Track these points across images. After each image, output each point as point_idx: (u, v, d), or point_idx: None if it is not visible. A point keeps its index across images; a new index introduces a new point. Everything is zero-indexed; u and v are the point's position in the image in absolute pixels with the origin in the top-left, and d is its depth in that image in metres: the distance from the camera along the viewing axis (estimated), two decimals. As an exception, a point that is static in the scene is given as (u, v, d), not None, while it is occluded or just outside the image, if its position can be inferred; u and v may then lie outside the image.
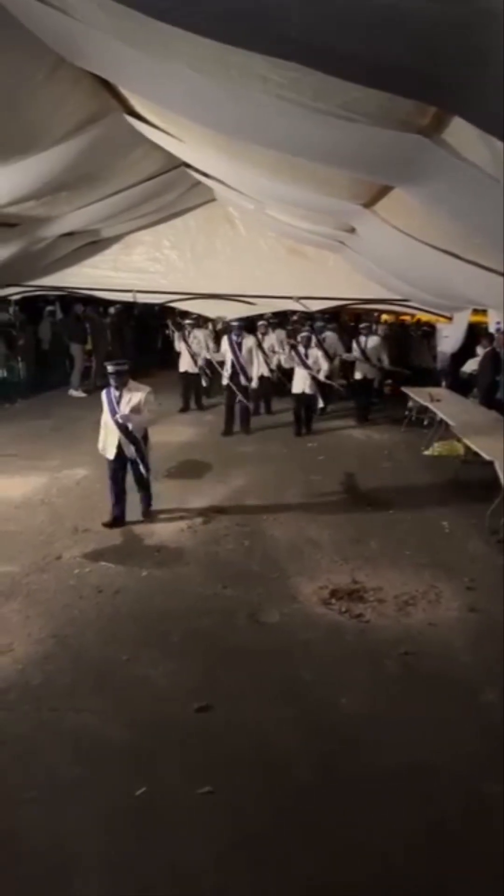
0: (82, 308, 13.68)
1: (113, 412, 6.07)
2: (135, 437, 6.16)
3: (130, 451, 6.18)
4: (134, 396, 6.05)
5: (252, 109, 3.03)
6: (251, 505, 6.87)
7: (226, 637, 4.46)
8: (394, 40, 1.82)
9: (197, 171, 7.40)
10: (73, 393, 12.39)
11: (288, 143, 3.55)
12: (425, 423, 9.88)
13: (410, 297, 10.28)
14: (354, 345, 10.88)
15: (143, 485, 6.47)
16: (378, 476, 7.97)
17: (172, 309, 11.82)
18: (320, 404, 10.66)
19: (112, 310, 14.30)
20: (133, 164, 6.56)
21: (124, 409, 6.01)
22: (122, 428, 6.06)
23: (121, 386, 6.05)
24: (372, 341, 10.76)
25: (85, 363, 12.89)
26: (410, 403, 10.22)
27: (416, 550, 5.82)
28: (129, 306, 13.43)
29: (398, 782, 3.23)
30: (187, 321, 11.40)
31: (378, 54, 1.93)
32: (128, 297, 11.19)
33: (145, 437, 6.33)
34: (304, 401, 9.94)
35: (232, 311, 10.95)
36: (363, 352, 10.71)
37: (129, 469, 6.31)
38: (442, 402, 8.75)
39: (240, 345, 9.66)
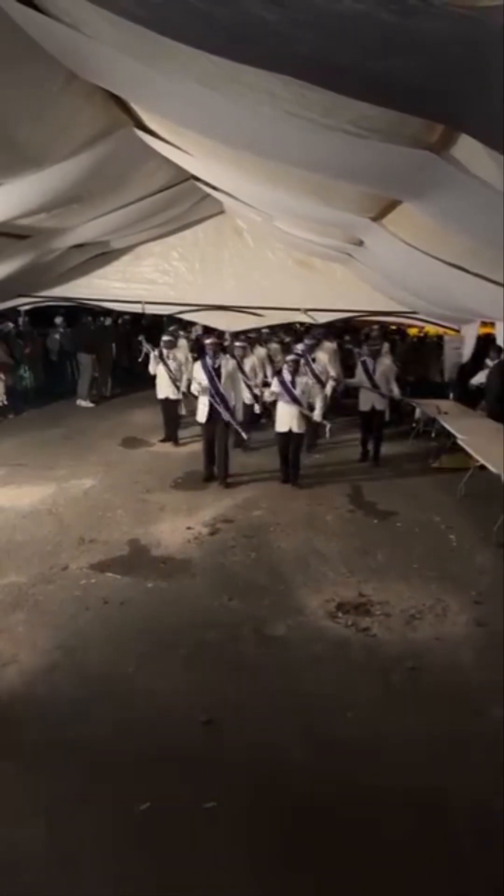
0: (90, 318, 13.78)
1: None
2: None
3: None
4: None
5: (262, 125, 3.06)
6: (257, 516, 6.86)
7: (231, 650, 4.44)
8: (403, 59, 1.83)
9: (206, 183, 7.46)
10: (81, 403, 12.44)
11: (298, 157, 3.58)
12: (433, 435, 9.85)
13: (417, 309, 10.31)
14: (360, 369, 8.98)
15: None
16: (385, 488, 7.94)
17: (180, 320, 11.82)
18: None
19: (120, 321, 14.38)
20: (143, 178, 6.63)
21: None
22: None
23: None
24: (381, 365, 8.88)
25: (93, 373, 12.94)
26: (417, 415, 10.21)
27: (424, 564, 5.78)
28: (137, 317, 13.49)
29: (405, 798, 3.19)
30: (164, 338, 9.64)
31: (387, 73, 1.94)
32: (136, 308, 11.26)
33: None
34: (291, 441, 7.84)
35: (240, 323, 10.99)
36: (371, 378, 8.81)
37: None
38: (449, 415, 8.73)
39: (218, 370, 7.65)
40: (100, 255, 10.49)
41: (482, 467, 6.74)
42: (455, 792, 3.24)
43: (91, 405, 12.41)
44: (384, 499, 7.50)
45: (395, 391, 9.01)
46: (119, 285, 10.96)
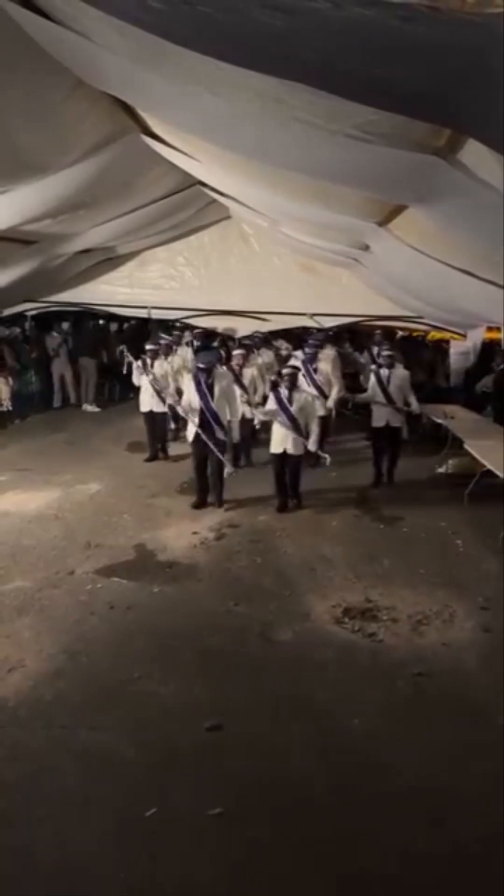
0: (92, 323, 13.82)
1: None
2: None
3: None
4: None
5: (268, 130, 3.07)
6: (263, 520, 6.85)
7: (237, 655, 4.43)
8: (409, 65, 1.84)
9: (212, 189, 7.49)
10: (87, 408, 12.46)
11: (305, 163, 3.59)
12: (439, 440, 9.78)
13: (423, 314, 10.30)
14: (373, 380, 7.95)
15: None
16: (390, 493, 7.91)
17: (173, 325, 11.82)
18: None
19: (125, 326, 14.40)
20: (149, 183, 6.65)
21: None
22: None
23: None
24: (397, 376, 7.85)
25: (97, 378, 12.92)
26: (424, 420, 10.17)
27: (430, 569, 5.76)
28: (143, 322, 13.50)
29: (411, 803, 3.18)
30: (149, 347, 8.77)
31: (393, 78, 1.94)
32: (142, 314, 11.29)
33: None
34: (288, 463, 7.03)
35: (245, 328, 11.01)
36: (385, 390, 7.80)
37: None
38: (456, 420, 8.70)
39: (210, 385, 6.88)
40: (106, 261, 10.54)
41: (488, 472, 6.72)
42: (460, 797, 3.22)
43: (96, 409, 12.40)
44: (390, 504, 7.47)
45: (414, 405, 7.98)
46: (125, 290, 11.02)
